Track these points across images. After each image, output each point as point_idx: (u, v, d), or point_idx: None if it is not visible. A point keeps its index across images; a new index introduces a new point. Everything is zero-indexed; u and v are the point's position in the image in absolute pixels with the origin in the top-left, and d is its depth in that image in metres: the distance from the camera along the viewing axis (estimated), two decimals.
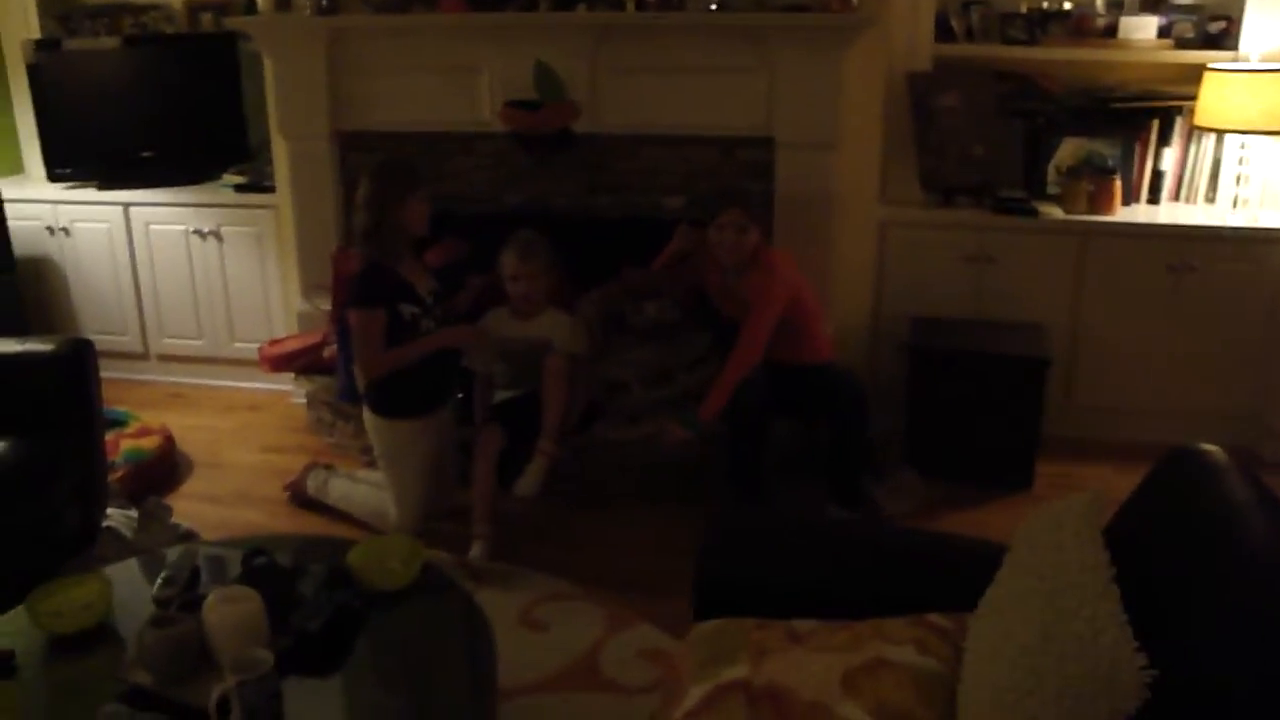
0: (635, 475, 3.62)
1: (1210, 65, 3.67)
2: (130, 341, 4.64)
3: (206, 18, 4.61)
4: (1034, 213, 3.82)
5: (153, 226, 4.47)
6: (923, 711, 1.59)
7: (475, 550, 3.18)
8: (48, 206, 4.53)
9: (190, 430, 4.15)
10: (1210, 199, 3.90)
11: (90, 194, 4.51)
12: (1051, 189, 3.96)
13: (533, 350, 3.33)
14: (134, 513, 3.34)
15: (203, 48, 4.59)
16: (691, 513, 3.39)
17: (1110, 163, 3.89)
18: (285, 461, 3.86)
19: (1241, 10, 3.71)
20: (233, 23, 4.13)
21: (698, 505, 3.45)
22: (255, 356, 4.16)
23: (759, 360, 3.31)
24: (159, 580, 2.21)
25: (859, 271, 3.97)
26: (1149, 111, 3.89)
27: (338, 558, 2.29)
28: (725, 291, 3.49)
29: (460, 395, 3.57)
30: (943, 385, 3.64)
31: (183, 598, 2.10)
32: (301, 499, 3.57)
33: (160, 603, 2.15)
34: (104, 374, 4.32)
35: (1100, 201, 3.80)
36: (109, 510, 3.26)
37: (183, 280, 4.51)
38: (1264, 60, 3.67)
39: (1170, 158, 3.92)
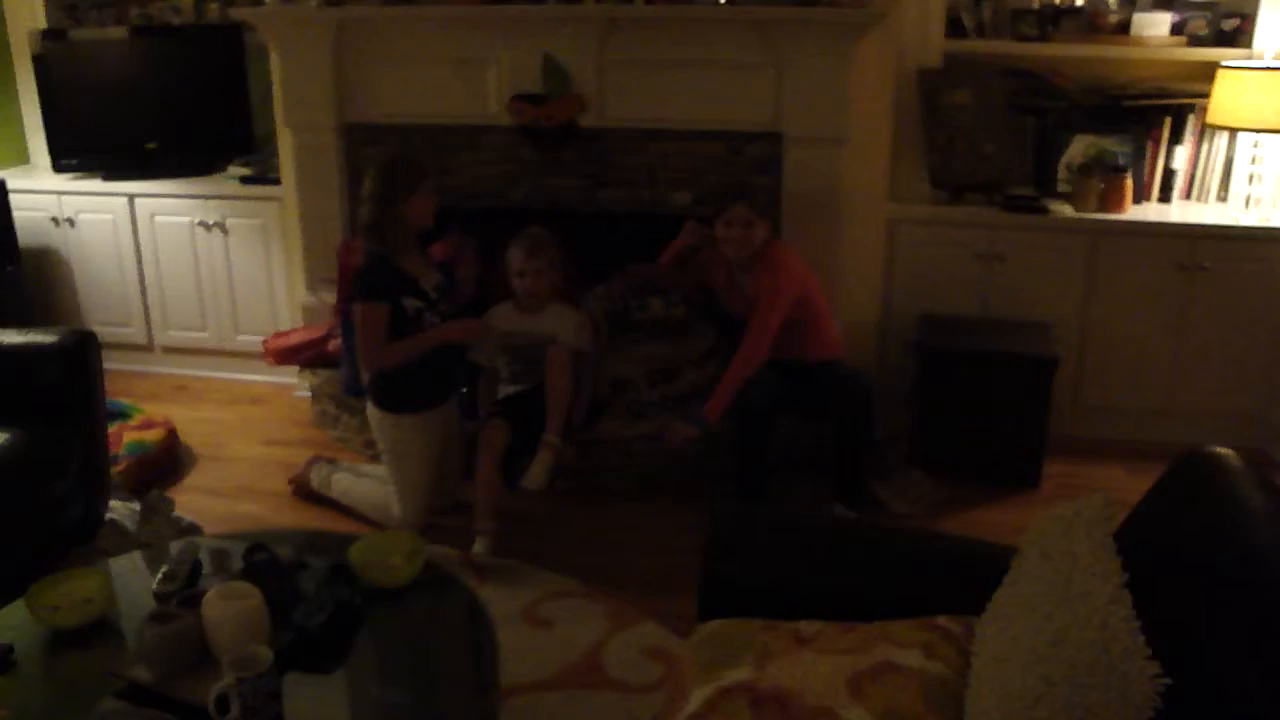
0: (640, 472, 3.61)
1: (1223, 63, 3.64)
2: (135, 333, 4.63)
3: (212, 8, 4.60)
4: (1044, 211, 3.80)
5: (158, 218, 4.45)
6: (930, 717, 1.57)
7: (479, 546, 3.17)
8: (53, 197, 4.52)
9: (194, 423, 4.14)
10: (1222, 198, 3.87)
11: (95, 185, 4.50)
12: (1062, 187, 3.93)
13: (537, 345, 3.32)
14: (136, 505, 3.32)
15: (209, 39, 4.57)
16: (696, 510, 3.37)
17: (1121, 161, 3.86)
18: (289, 455, 3.85)
19: (1256, 7, 3.68)
20: (238, 13, 4.11)
21: (703, 503, 3.43)
22: (260, 349, 4.15)
23: (765, 358, 3.28)
24: (159, 575, 2.20)
25: (867, 269, 3.94)
26: (1161, 109, 3.86)
27: (339, 553, 2.27)
28: (732, 288, 3.47)
29: (465, 390, 3.56)
30: (950, 384, 3.62)
31: (183, 593, 2.09)
32: (304, 493, 3.55)
33: (160, 598, 2.13)
34: (108, 366, 4.33)
35: (1111, 200, 3.77)
36: (111, 503, 3.25)
37: (187, 272, 4.49)
38: (1278, 58, 3.63)
39: (1182, 156, 3.89)
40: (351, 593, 2.14)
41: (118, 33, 4.57)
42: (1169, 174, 3.91)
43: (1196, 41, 3.77)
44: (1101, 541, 1.53)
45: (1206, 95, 3.71)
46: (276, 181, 4.32)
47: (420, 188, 3.15)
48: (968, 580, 1.87)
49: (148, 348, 4.66)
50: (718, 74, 3.75)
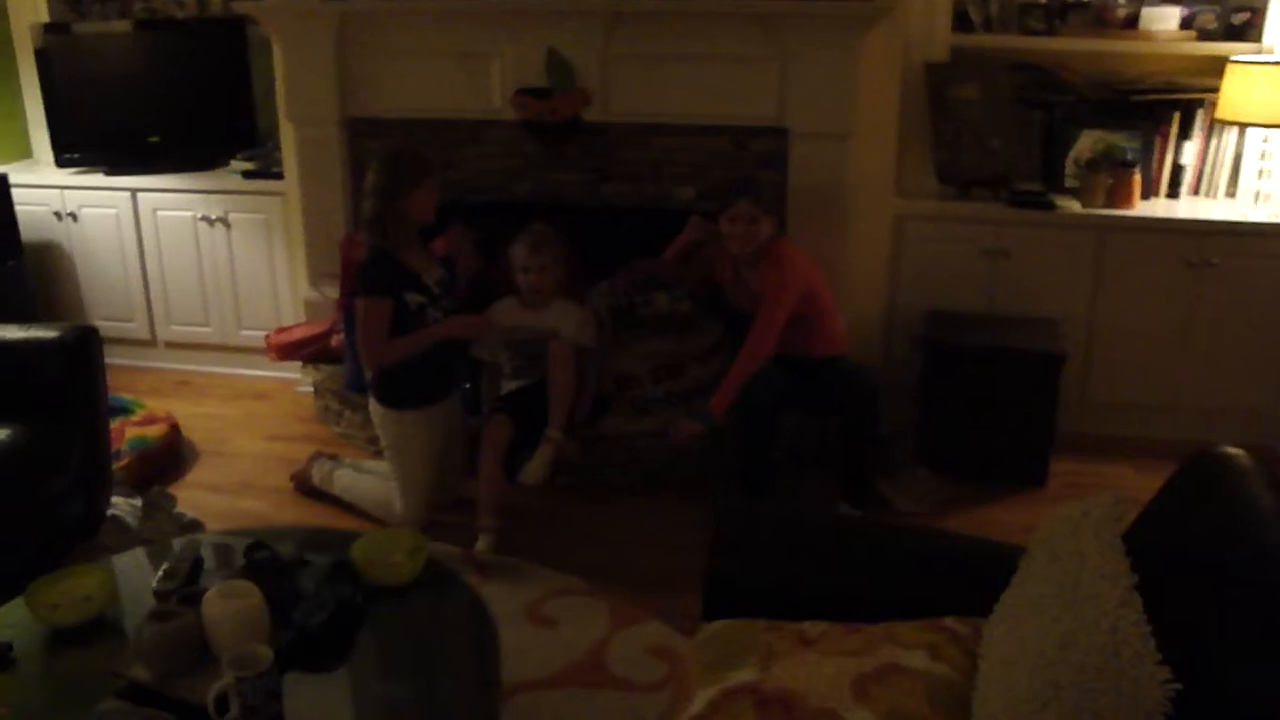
0: (645, 468, 3.59)
1: (1233, 57, 3.61)
2: (138, 328, 4.62)
3: (215, 1, 4.57)
4: (1051, 206, 3.77)
5: (160, 213, 4.44)
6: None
7: (481, 543, 3.15)
8: (55, 192, 4.50)
9: (196, 418, 4.13)
10: (1231, 194, 3.85)
11: (98, 179, 4.48)
12: (1069, 182, 3.91)
13: (540, 340, 3.30)
14: (138, 501, 3.31)
15: (212, 32, 4.55)
16: (701, 507, 3.35)
17: (1129, 156, 3.83)
18: (291, 450, 3.84)
19: (1265, 2, 3.65)
20: (241, 7, 4.08)
21: (707, 499, 3.41)
22: (263, 344, 4.13)
23: (770, 354, 3.26)
24: (159, 573, 2.19)
25: (873, 264, 3.92)
26: (1170, 104, 3.83)
27: (341, 550, 2.26)
28: (737, 283, 3.45)
29: (468, 385, 3.54)
30: (957, 380, 3.60)
31: (183, 591, 2.07)
32: (306, 489, 3.54)
33: (160, 596, 2.12)
34: (112, 361, 4.33)
35: (1119, 195, 3.74)
36: (113, 499, 3.24)
37: (190, 267, 4.48)
38: None
39: (1191, 151, 3.86)
40: (353, 591, 2.13)
41: (121, 26, 4.56)
42: (1177, 169, 3.88)
43: (1206, 36, 3.74)
44: (1110, 543, 1.51)
45: (1216, 90, 3.68)
46: (279, 176, 4.30)
47: (424, 182, 3.13)
48: (974, 580, 1.85)
49: (150, 343, 4.65)
50: (723, 68, 3.73)
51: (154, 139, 4.55)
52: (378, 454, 3.51)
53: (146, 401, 4.04)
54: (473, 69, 3.89)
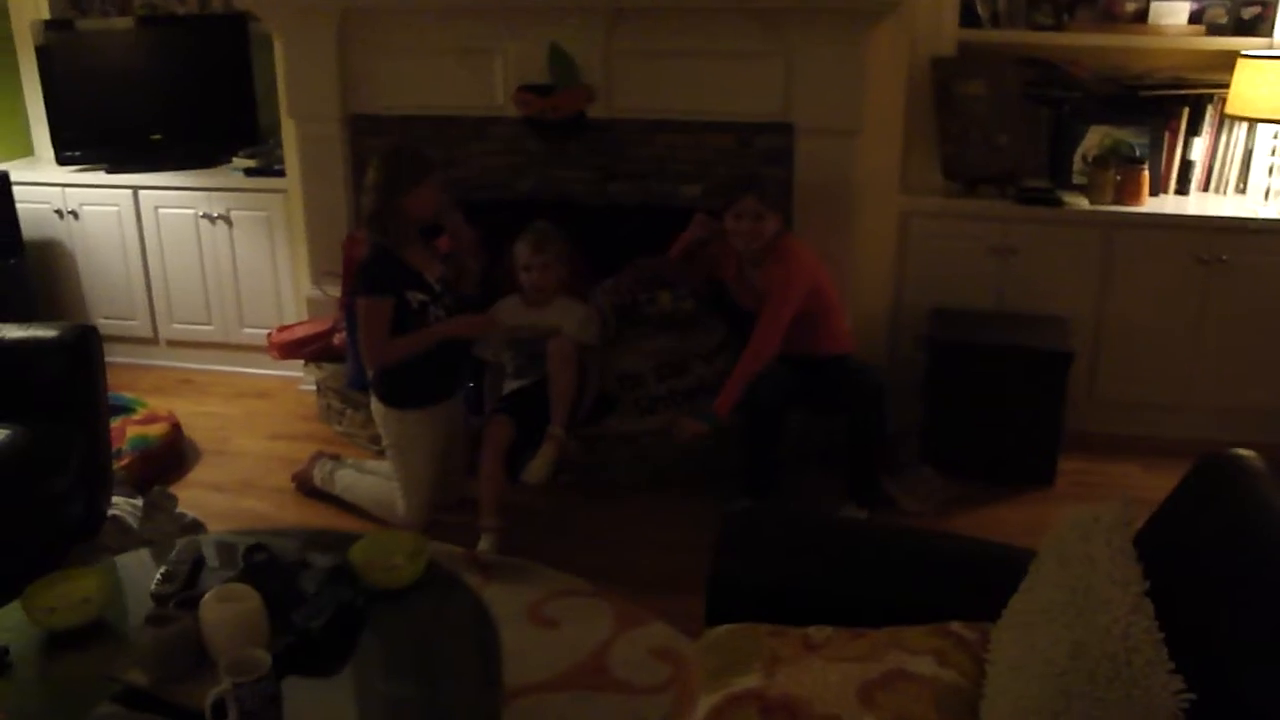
0: (648, 468, 3.57)
1: (1243, 52, 3.57)
2: (140, 326, 4.61)
3: None
4: (1059, 203, 3.74)
5: (162, 210, 4.42)
6: None
7: (484, 544, 3.13)
8: (56, 190, 4.49)
9: (198, 417, 4.11)
10: (1241, 190, 3.81)
11: (99, 177, 4.47)
12: (1077, 178, 3.87)
13: (542, 339, 3.27)
14: (139, 501, 3.30)
15: (213, 29, 4.53)
16: (705, 507, 3.33)
17: (1138, 152, 3.79)
18: (293, 449, 3.82)
19: None
20: (243, 3, 4.06)
21: (712, 500, 3.38)
22: (265, 343, 4.11)
23: (775, 353, 3.23)
24: (158, 575, 2.16)
25: (879, 262, 3.89)
26: (1179, 99, 3.78)
27: (342, 552, 2.24)
28: (742, 281, 3.42)
29: (471, 385, 3.52)
30: (963, 379, 3.56)
31: (181, 594, 2.05)
32: (307, 489, 3.52)
33: (158, 599, 2.10)
34: (114, 359, 4.33)
35: (1127, 192, 3.70)
36: (114, 499, 3.22)
37: (192, 265, 4.46)
38: None
39: (1200, 147, 3.82)
40: (353, 593, 2.10)
41: (122, 23, 4.54)
42: (1186, 165, 3.84)
43: (1215, 30, 3.70)
44: (1121, 548, 1.48)
45: (1225, 85, 3.64)
46: (281, 173, 4.28)
47: (424, 180, 3.10)
48: (981, 584, 1.82)
49: (152, 341, 4.64)
50: (727, 64, 3.69)
51: (155, 136, 4.54)
52: (380, 453, 3.49)
53: (148, 400, 4.02)
54: (475, 65, 3.87)
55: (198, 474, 3.73)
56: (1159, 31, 3.71)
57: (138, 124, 4.54)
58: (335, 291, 3.98)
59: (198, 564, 2.24)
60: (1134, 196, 3.70)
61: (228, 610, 1.90)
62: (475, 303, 3.39)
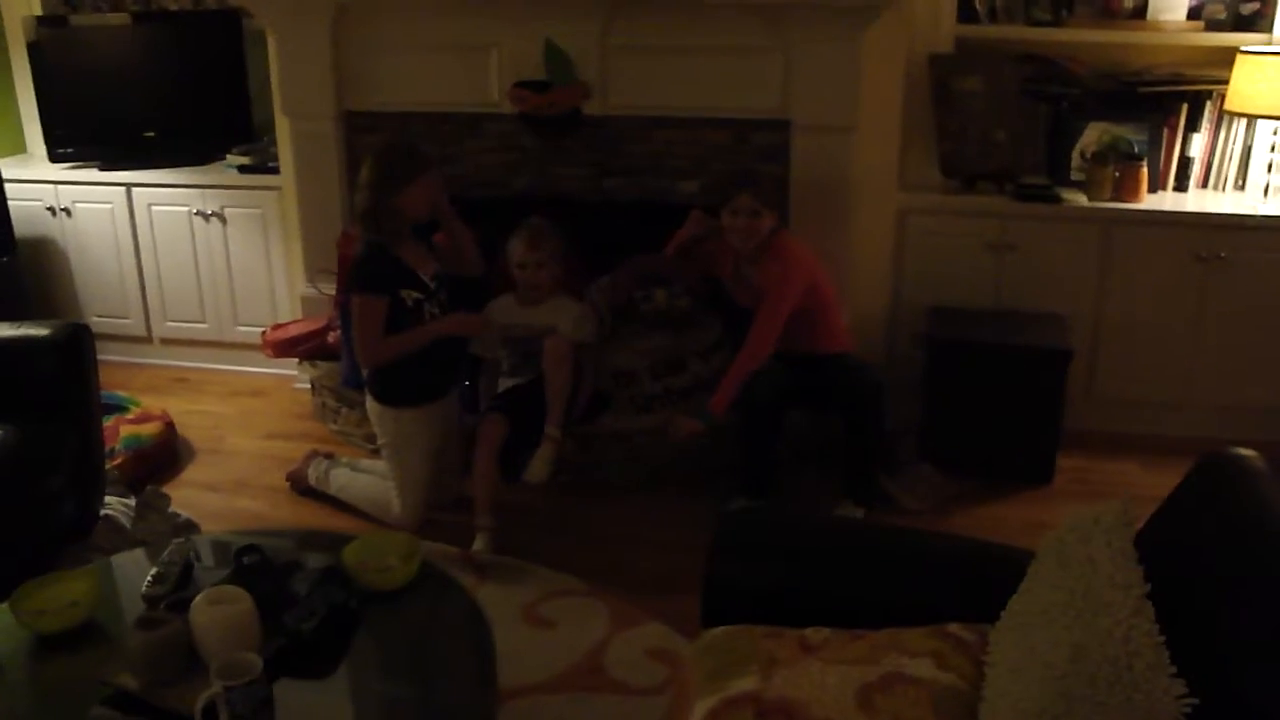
0: (644, 467, 3.55)
1: (1242, 48, 3.55)
2: (133, 325, 4.58)
3: None
4: (1057, 200, 3.72)
5: (155, 208, 4.39)
6: None
7: (478, 543, 3.11)
8: (49, 187, 4.45)
9: (192, 415, 4.09)
10: (1240, 186, 3.79)
11: (92, 174, 4.44)
12: (1076, 175, 3.85)
13: (537, 337, 3.25)
14: (133, 501, 3.27)
15: (207, 25, 4.50)
16: (702, 506, 3.31)
17: (1137, 148, 3.78)
18: (288, 448, 3.79)
19: None
20: None
21: (708, 498, 3.36)
22: (259, 341, 4.09)
23: (772, 351, 3.21)
24: (148, 577, 2.14)
25: (876, 259, 3.87)
26: (1178, 95, 3.76)
27: (336, 552, 2.22)
28: (738, 279, 3.40)
29: (467, 383, 3.50)
30: (961, 377, 3.55)
31: (172, 597, 2.03)
32: (302, 488, 3.50)
33: (149, 601, 2.08)
34: (108, 358, 4.31)
35: (1126, 188, 3.68)
36: (107, 498, 3.20)
37: (186, 263, 4.44)
38: None
39: (1199, 144, 3.80)
40: (346, 595, 2.08)
41: (115, 19, 4.50)
42: (1185, 162, 3.82)
43: (1214, 26, 3.68)
44: (1122, 550, 1.46)
45: (1225, 81, 3.62)
46: (276, 170, 4.25)
47: (419, 178, 3.07)
48: (980, 585, 1.81)
49: (146, 339, 4.61)
50: (724, 60, 3.67)
51: (149, 133, 4.51)
52: (375, 452, 3.47)
53: (142, 399, 4.00)
54: (470, 62, 3.84)
55: (191, 473, 3.71)
56: (1158, 27, 3.69)
57: (131, 121, 4.51)
58: (330, 289, 3.95)
59: (189, 565, 2.22)
60: (1132, 193, 3.68)
61: (219, 613, 1.88)
62: (471, 300, 3.36)
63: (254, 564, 2.12)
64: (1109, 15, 3.76)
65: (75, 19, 4.51)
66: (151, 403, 3.99)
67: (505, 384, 3.38)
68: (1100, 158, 3.75)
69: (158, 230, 4.42)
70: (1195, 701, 1.25)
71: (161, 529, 3.11)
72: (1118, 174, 3.69)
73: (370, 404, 3.26)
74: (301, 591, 2.08)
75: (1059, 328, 3.61)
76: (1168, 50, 3.78)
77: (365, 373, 3.26)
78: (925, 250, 3.83)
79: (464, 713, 1.95)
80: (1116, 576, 1.42)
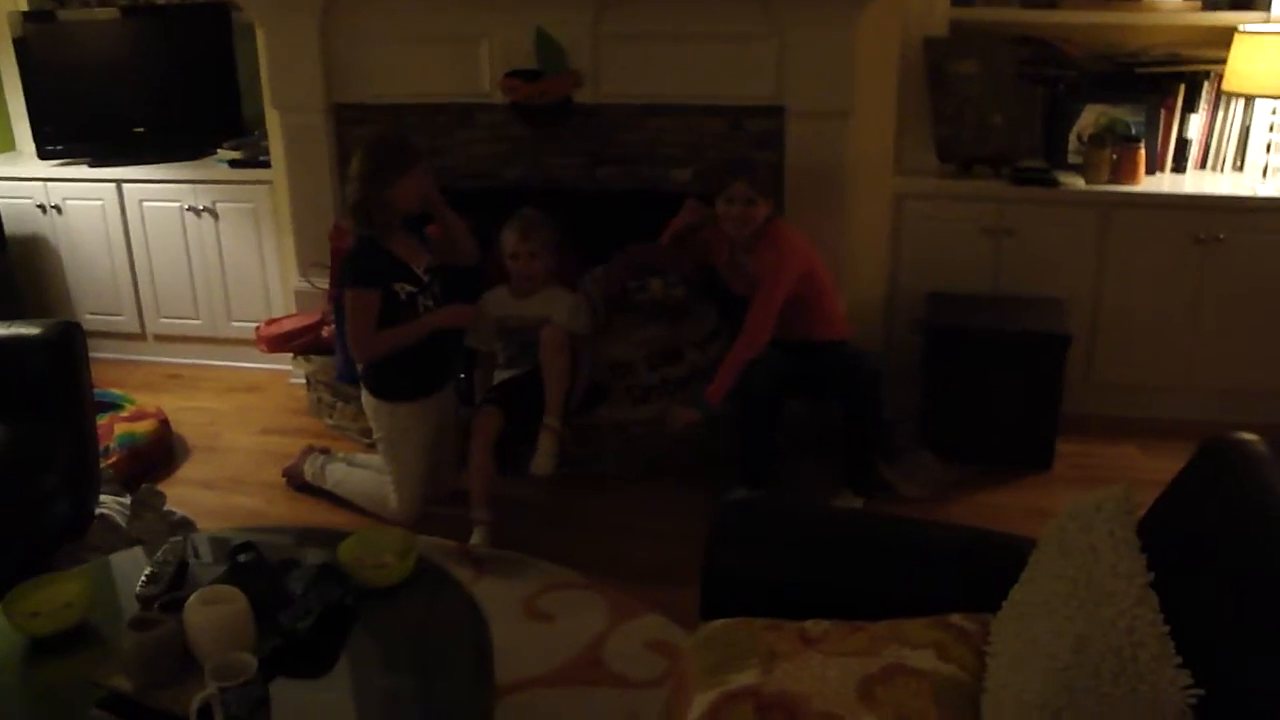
0: (641, 458, 3.53)
1: (1241, 27, 3.52)
2: (127, 322, 4.55)
3: None
4: (1055, 183, 3.69)
5: (146, 204, 4.36)
6: None
7: (476, 537, 3.10)
8: (39, 184, 4.42)
9: (187, 412, 4.07)
10: (1238, 167, 3.77)
11: (82, 171, 4.40)
12: (1073, 158, 3.83)
13: (532, 328, 3.23)
14: (128, 499, 3.25)
15: (195, 18, 4.46)
16: (700, 497, 3.29)
17: (1134, 130, 3.75)
18: (284, 444, 3.77)
19: None
20: None
21: (707, 488, 3.35)
22: (253, 336, 4.06)
23: (768, 339, 3.19)
24: (142, 577, 2.12)
25: (873, 245, 3.84)
26: (1175, 76, 3.74)
27: (332, 549, 2.20)
28: (734, 267, 3.38)
29: (463, 376, 3.48)
30: (960, 363, 3.52)
31: (165, 597, 2.01)
32: (298, 484, 3.48)
33: (143, 601, 2.06)
34: (101, 355, 4.29)
35: (1123, 171, 3.66)
36: (102, 497, 3.18)
37: (178, 259, 4.41)
38: None
39: (1197, 125, 3.78)
40: (341, 592, 2.07)
41: (103, 14, 4.46)
42: (1183, 143, 3.80)
43: (1211, 5, 3.65)
44: (1124, 538, 1.44)
45: (1222, 61, 3.59)
46: (267, 164, 4.23)
47: (410, 171, 3.05)
48: (982, 574, 1.79)
49: (140, 336, 4.58)
50: (717, 46, 3.64)
51: (139, 129, 4.47)
52: (371, 446, 3.45)
53: (136, 396, 3.98)
54: (461, 52, 3.81)
55: (187, 471, 3.68)
56: (1154, 7, 3.66)
57: (120, 116, 4.47)
58: (323, 283, 3.93)
59: (184, 565, 2.20)
60: (1130, 175, 3.66)
61: (213, 613, 1.86)
62: (465, 292, 3.34)
63: (249, 562, 2.10)
64: None
65: (63, 14, 4.47)
66: (146, 400, 3.97)
67: (501, 376, 3.36)
68: (1097, 140, 3.72)
69: (149, 226, 4.38)
70: (1201, 692, 1.23)
71: (157, 527, 3.06)
72: (1115, 156, 3.66)
73: (365, 398, 3.24)
74: (297, 590, 2.06)
75: (1057, 312, 3.59)
76: (1164, 30, 3.75)
77: (360, 367, 3.23)
78: (922, 235, 3.81)
79: (461, 709, 1.93)
80: (1119, 565, 1.40)
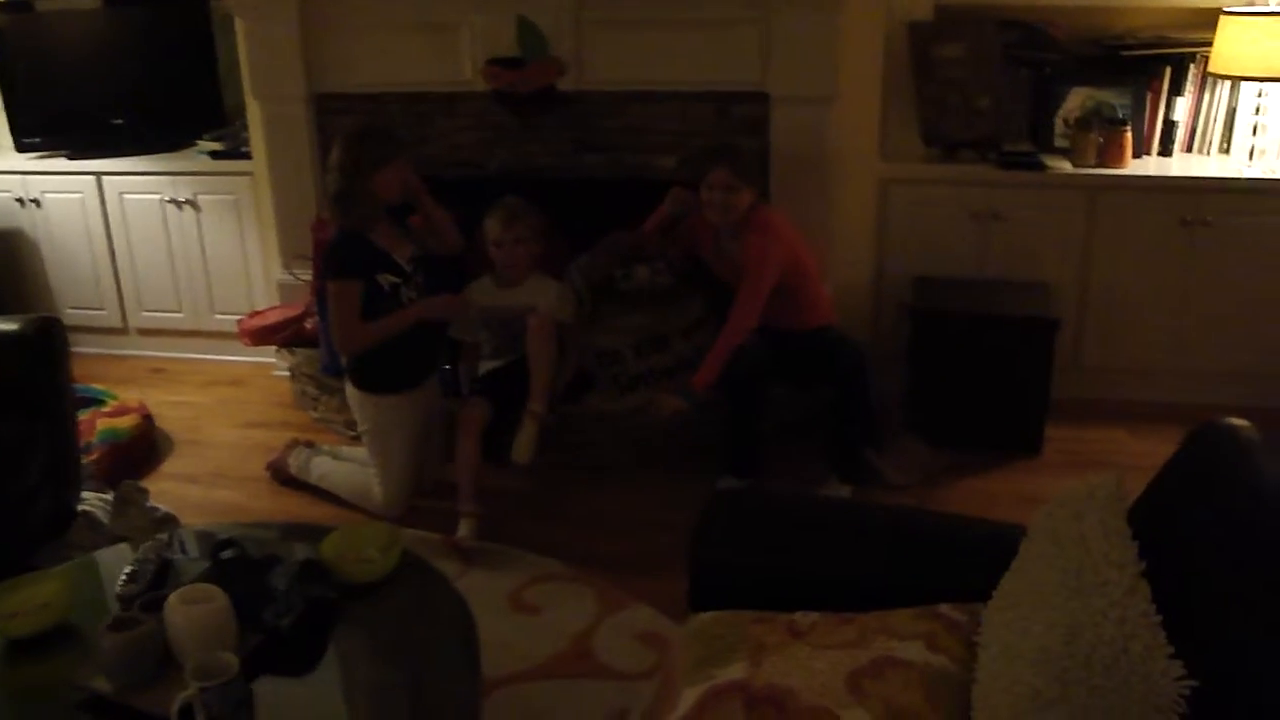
0: (629, 447, 3.51)
1: (1226, 9, 3.50)
2: (109, 316, 4.50)
3: None
4: (1041, 166, 3.67)
5: (127, 196, 4.31)
6: (934, 716, 1.47)
7: (463, 529, 3.07)
8: (17, 178, 4.36)
9: (171, 407, 4.03)
10: (1225, 150, 3.75)
11: (61, 164, 4.34)
12: (1059, 142, 3.81)
13: (517, 318, 3.20)
14: (110, 496, 3.22)
15: (174, 8, 4.39)
16: (688, 486, 3.27)
17: (1120, 113, 3.73)
18: (268, 437, 3.74)
19: None
20: None
21: (694, 478, 3.33)
22: (236, 329, 4.02)
23: (754, 326, 3.17)
24: (122, 576, 2.09)
25: (859, 231, 3.82)
26: (1161, 59, 3.72)
27: (317, 544, 2.17)
28: (719, 255, 3.35)
29: (447, 367, 3.45)
30: (947, 348, 3.51)
31: (145, 596, 1.98)
32: (283, 478, 3.45)
33: (124, 601, 2.03)
34: (84, 350, 4.24)
35: (1110, 154, 3.64)
36: (84, 494, 3.15)
37: (160, 251, 4.36)
38: None
39: (1183, 107, 3.76)
40: (325, 589, 2.04)
41: (81, 4, 4.39)
42: (1169, 126, 3.78)
43: None
44: (1116, 527, 1.43)
45: (1208, 44, 3.57)
46: (248, 155, 4.17)
47: (388, 163, 3.01)
48: (971, 563, 1.78)
49: (122, 330, 4.53)
50: (701, 32, 3.61)
51: (118, 120, 4.41)
52: (356, 439, 3.42)
53: (118, 391, 3.94)
54: (441, 40, 3.77)
55: (170, 466, 3.65)
56: None
57: (99, 108, 4.40)
58: (306, 275, 3.89)
59: (165, 563, 2.17)
60: (1117, 158, 3.64)
61: (193, 612, 1.84)
62: (449, 283, 3.30)
63: (230, 560, 2.08)
64: None
65: (40, 4, 4.40)
66: (128, 395, 3.93)
67: (487, 366, 3.33)
68: (1084, 123, 3.70)
69: (130, 219, 4.33)
70: (1194, 683, 1.21)
71: (140, 524, 3.06)
72: (1101, 140, 3.65)
73: (350, 391, 3.21)
74: (280, 586, 2.03)
75: (1045, 296, 3.58)
76: (1150, 13, 3.73)
77: (344, 360, 3.20)
78: (908, 220, 3.79)
79: (448, 704, 1.91)
80: (1111, 554, 1.38)
